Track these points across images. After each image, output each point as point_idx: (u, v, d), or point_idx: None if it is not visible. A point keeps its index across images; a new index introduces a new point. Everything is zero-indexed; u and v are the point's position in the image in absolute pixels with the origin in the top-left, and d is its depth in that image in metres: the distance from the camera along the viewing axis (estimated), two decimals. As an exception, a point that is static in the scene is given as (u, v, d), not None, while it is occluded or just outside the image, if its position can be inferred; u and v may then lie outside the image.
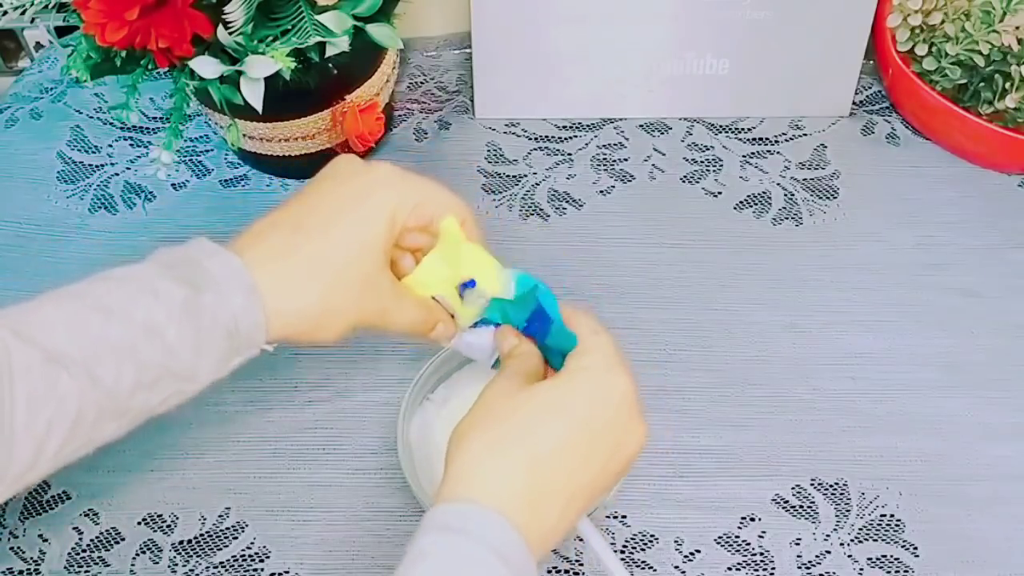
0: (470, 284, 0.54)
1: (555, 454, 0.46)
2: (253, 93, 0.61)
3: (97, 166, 0.79)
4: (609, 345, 0.50)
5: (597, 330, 0.50)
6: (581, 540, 0.50)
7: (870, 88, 0.82)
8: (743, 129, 0.80)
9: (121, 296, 0.46)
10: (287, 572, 0.60)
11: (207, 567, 0.60)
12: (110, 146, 0.80)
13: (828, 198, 0.76)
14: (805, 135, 0.79)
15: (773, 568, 0.60)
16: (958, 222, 0.74)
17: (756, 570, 0.60)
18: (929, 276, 0.72)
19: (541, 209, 0.76)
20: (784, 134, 0.79)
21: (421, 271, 0.54)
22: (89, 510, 0.62)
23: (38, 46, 0.94)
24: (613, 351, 0.49)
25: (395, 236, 0.52)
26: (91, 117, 0.82)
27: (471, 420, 0.47)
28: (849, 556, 0.60)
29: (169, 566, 0.60)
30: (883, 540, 0.61)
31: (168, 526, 0.62)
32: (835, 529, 0.61)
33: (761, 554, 0.60)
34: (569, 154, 0.79)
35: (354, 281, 0.51)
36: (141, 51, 0.59)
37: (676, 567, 0.60)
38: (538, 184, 0.77)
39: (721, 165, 0.78)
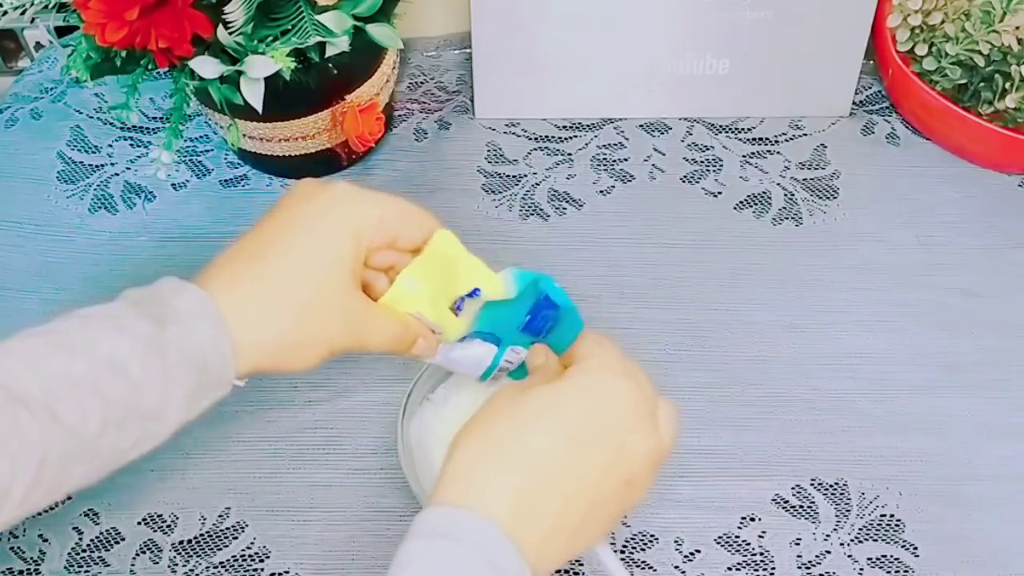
0: (474, 293, 0.53)
1: (545, 455, 0.45)
2: (253, 93, 0.61)
3: (97, 166, 0.79)
4: (612, 353, 0.49)
5: (601, 341, 0.50)
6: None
7: (870, 88, 0.82)
8: (743, 129, 0.80)
9: (85, 333, 0.45)
10: (287, 572, 0.60)
11: (207, 567, 0.60)
12: (110, 146, 0.80)
13: (828, 198, 0.76)
14: (805, 135, 0.79)
15: (773, 568, 0.60)
16: (958, 222, 0.74)
17: (756, 570, 0.60)
18: (929, 276, 0.72)
19: (541, 209, 0.76)
20: (784, 134, 0.79)
21: (397, 289, 0.53)
22: (89, 510, 0.62)
23: (38, 46, 0.94)
24: (615, 359, 0.49)
25: (362, 255, 0.51)
26: (91, 117, 0.82)
27: (470, 424, 0.47)
28: (849, 556, 0.60)
29: (169, 566, 0.60)
30: (883, 540, 0.61)
31: (168, 526, 0.62)
32: (835, 529, 0.61)
33: (761, 554, 0.60)
34: (569, 154, 0.79)
35: (323, 305, 0.49)
36: (141, 51, 0.59)
37: (676, 567, 0.60)
38: (538, 184, 0.77)
39: (721, 165, 0.78)
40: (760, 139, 0.79)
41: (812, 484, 0.63)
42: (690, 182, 0.77)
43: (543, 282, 0.52)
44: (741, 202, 0.76)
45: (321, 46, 0.62)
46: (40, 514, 0.62)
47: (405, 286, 0.53)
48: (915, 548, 0.60)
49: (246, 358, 0.48)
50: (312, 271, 0.49)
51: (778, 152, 0.78)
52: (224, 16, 0.59)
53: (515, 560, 0.42)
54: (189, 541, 0.61)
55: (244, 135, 0.71)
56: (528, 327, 0.54)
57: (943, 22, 0.74)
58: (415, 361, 0.56)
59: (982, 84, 0.75)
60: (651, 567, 0.60)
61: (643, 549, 0.60)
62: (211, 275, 0.49)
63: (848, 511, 0.62)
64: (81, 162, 0.79)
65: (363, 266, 0.52)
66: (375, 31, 0.64)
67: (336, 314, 0.50)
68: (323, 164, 0.76)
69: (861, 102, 0.81)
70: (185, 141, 0.79)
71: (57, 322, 0.46)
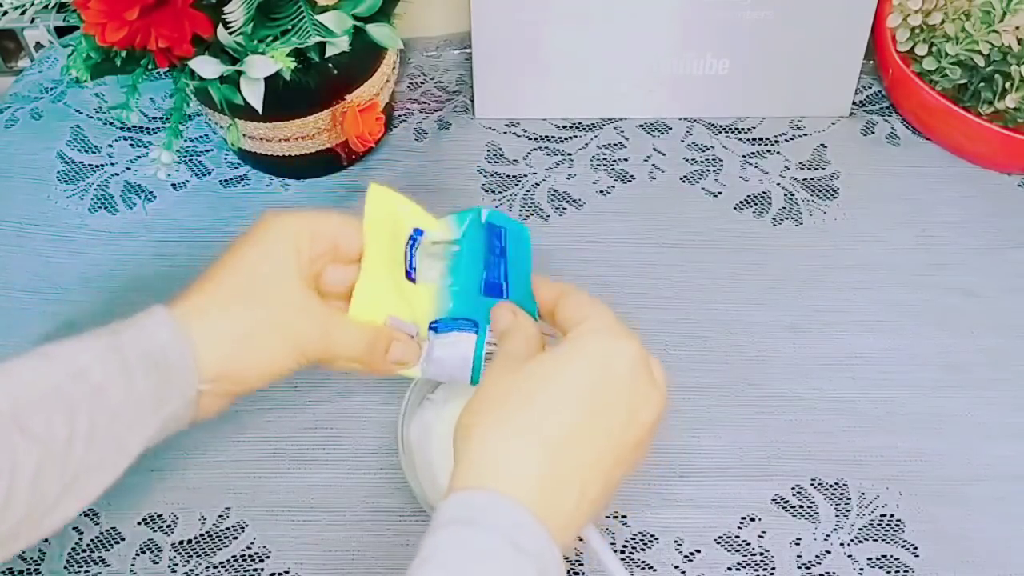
0: (416, 235, 0.55)
1: (565, 428, 0.44)
2: (253, 93, 0.61)
3: (97, 166, 0.79)
4: (608, 312, 0.48)
5: (594, 301, 0.49)
6: (581, 540, 0.50)
7: (870, 88, 0.82)
8: (743, 129, 0.80)
9: (49, 347, 0.47)
10: (287, 572, 0.60)
11: (207, 567, 0.60)
12: (110, 146, 0.80)
13: (828, 198, 0.76)
14: (805, 135, 0.79)
15: (773, 568, 0.60)
16: (958, 222, 0.74)
17: (756, 570, 0.60)
18: (929, 276, 0.72)
19: (541, 209, 0.76)
20: (784, 134, 0.79)
21: (358, 298, 0.54)
22: (89, 510, 0.62)
23: (38, 46, 0.94)
24: (613, 318, 0.48)
25: (305, 257, 0.53)
26: (91, 117, 0.82)
27: (474, 407, 0.46)
28: (849, 556, 0.60)
29: (169, 566, 0.60)
30: (883, 540, 0.61)
31: (168, 526, 0.62)
32: (835, 529, 0.61)
33: (761, 554, 0.60)
34: (569, 154, 0.79)
35: (278, 301, 0.51)
36: (141, 51, 0.59)
37: (676, 567, 0.60)
38: (538, 184, 0.77)
39: (721, 165, 0.78)
40: (760, 139, 0.79)
41: (812, 484, 0.63)
42: (690, 182, 0.77)
43: (481, 213, 0.54)
44: (741, 202, 0.76)
45: (321, 46, 0.62)
46: (40, 514, 0.62)
47: (366, 290, 0.54)
48: (915, 548, 0.60)
49: (207, 356, 0.49)
50: (261, 273, 0.52)
51: (778, 152, 0.78)
52: (224, 16, 0.59)
53: (544, 540, 0.41)
54: (189, 541, 0.61)
55: (244, 135, 0.71)
56: (488, 287, 0.54)
57: (943, 22, 0.74)
58: (399, 378, 0.56)
59: (982, 84, 0.75)
60: (651, 567, 0.60)
61: (643, 549, 0.60)
62: (168, 301, 0.51)
63: (848, 511, 0.62)
64: (81, 162, 0.79)
65: (315, 278, 0.54)
66: (375, 31, 0.64)
67: (295, 311, 0.52)
68: (323, 164, 0.76)
69: (861, 102, 0.81)
70: (185, 141, 0.79)
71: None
